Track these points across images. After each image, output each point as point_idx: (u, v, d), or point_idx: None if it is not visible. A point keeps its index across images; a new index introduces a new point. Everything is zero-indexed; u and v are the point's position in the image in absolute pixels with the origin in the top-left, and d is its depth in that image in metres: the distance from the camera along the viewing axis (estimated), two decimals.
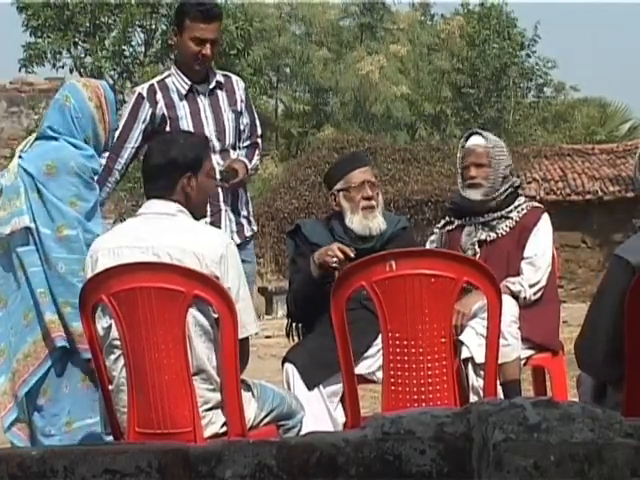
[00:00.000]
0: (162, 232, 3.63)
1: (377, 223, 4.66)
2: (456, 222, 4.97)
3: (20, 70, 22.32)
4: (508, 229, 4.85)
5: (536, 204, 5.05)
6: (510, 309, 4.47)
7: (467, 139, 4.96)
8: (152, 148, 3.86)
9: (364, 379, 4.47)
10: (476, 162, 4.86)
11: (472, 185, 4.88)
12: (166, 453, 1.81)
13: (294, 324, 4.88)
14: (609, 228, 19.61)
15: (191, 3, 4.99)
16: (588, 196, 20.06)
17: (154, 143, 3.94)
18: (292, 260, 4.86)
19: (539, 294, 4.76)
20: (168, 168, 3.68)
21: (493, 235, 4.85)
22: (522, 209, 4.90)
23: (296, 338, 4.85)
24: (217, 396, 3.61)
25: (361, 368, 4.41)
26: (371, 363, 4.50)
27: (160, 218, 3.67)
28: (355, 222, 4.66)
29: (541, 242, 4.84)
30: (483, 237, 4.85)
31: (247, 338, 3.68)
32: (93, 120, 4.20)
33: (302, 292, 4.62)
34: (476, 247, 4.83)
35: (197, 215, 3.79)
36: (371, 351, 4.51)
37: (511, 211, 4.89)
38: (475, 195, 4.87)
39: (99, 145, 4.26)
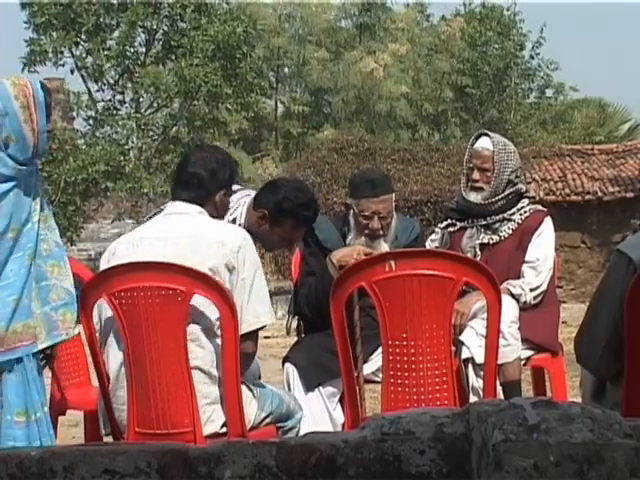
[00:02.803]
0: (182, 225, 3.72)
1: (379, 250, 4.61)
2: (459, 224, 4.95)
3: (23, 70, 22.33)
4: (510, 232, 4.84)
5: (540, 207, 5.02)
6: (510, 309, 4.47)
7: (477, 139, 4.93)
8: (192, 156, 3.91)
9: (365, 380, 4.47)
10: (480, 166, 4.84)
11: (474, 188, 4.87)
12: (165, 454, 1.81)
13: (294, 321, 4.86)
14: (608, 228, 19.61)
15: (307, 206, 4.46)
16: (587, 196, 20.03)
17: (194, 152, 3.99)
18: (302, 259, 4.84)
19: (539, 298, 4.75)
20: (209, 181, 3.79)
21: (495, 238, 4.84)
22: (525, 212, 4.88)
23: (296, 336, 4.85)
24: (216, 391, 3.62)
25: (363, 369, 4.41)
26: (372, 363, 4.50)
27: (182, 215, 3.76)
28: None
29: (543, 247, 4.83)
30: (485, 240, 4.83)
31: (258, 329, 3.70)
32: (17, 120, 3.92)
33: (316, 295, 4.57)
34: (477, 250, 4.82)
35: None
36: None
37: (514, 213, 4.87)
38: (475, 198, 4.86)
39: (26, 148, 3.92)
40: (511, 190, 4.87)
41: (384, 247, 4.60)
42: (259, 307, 3.66)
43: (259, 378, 4.19)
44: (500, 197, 4.85)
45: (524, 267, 4.77)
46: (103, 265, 3.76)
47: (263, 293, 3.70)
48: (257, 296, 3.65)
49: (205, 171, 3.80)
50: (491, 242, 4.84)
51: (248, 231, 4.18)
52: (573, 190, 20.23)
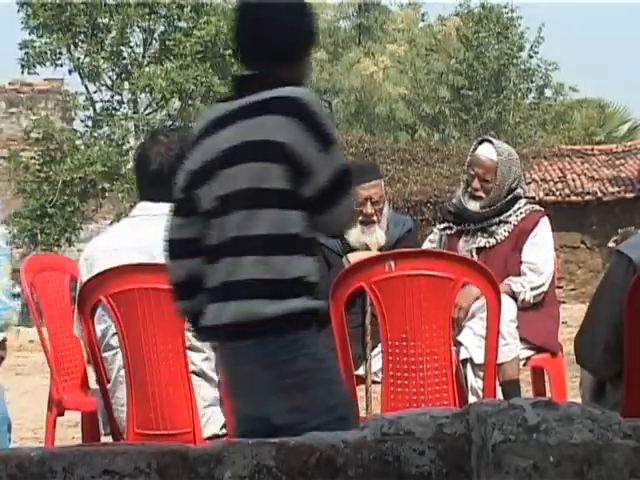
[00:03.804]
0: (159, 233, 3.59)
1: (375, 238, 4.60)
2: (455, 228, 4.91)
3: (22, 71, 22.37)
4: (507, 234, 4.78)
5: (536, 207, 4.95)
6: (509, 308, 4.46)
7: (480, 144, 4.81)
8: (149, 152, 3.77)
9: (365, 380, 4.46)
10: (482, 176, 4.74)
11: (473, 196, 4.80)
12: (165, 454, 1.80)
13: None
14: (608, 229, 19.57)
15: None
16: (587, 197, 20.04)
17: (150, 146, 3.81)
18: None
19: (539, 298, 4.72)
20: (173, 177, 3.61)
21: (492, 241, 4.79)
22: (521, 212, 4.83)
23: None
24: (214, 393, 3.62)
25: (363, 369, 4.41)
26: (372, 364, 4.49)
27: (156, 219, 3.55)
28: (352, 236, 4.63)
29: (542, 248, 4.77)
30: (482, 244, 4.78)
31: None
32: None
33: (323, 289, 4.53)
34: (473, 253, 4.77)
35: None
36: (373, 352, 4.50)
37: (510, 215, 4.82)
38: (474, 206, 4.79)
39: None
40: (510, 197, 4.82)
41: (379, 233, 4.63)
42: None
43: None
44: (499, 205, 4.80)
45: (524, 267, 4.73)
46: (83, 275, 3.76)
47: None
48: None
49: (166, 167, 3.63)
50: (487, 245, 4.79)
51: None
52: (573, 190, 20.23)
